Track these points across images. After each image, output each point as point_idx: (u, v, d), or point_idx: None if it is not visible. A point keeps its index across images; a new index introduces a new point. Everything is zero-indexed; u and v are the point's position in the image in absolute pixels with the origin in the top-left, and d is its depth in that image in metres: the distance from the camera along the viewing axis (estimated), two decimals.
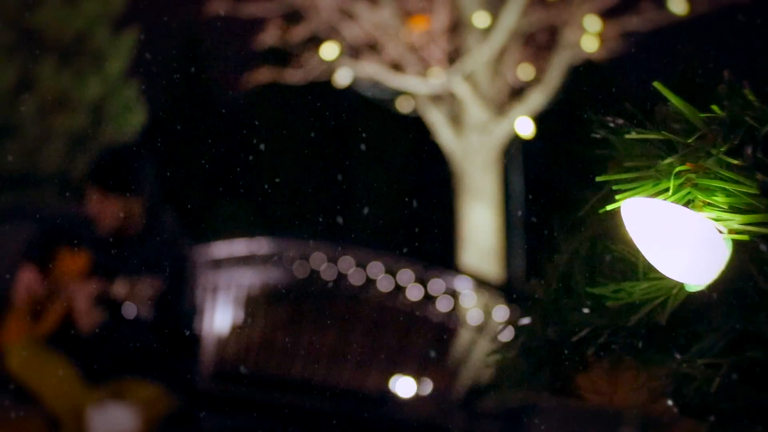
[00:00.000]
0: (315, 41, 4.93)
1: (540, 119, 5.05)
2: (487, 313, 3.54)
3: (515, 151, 5.03)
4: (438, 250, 4.46)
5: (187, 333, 3.64)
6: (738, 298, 0.63)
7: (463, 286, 3.62)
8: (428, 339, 3.80)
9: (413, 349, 3.72)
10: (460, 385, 3.58)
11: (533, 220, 5.06)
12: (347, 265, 3.92)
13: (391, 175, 12.81)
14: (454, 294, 3.60)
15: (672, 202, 0.61)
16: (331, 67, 4.91)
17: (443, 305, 3.67)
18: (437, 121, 5.11)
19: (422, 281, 3.69)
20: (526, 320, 0.87)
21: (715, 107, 0.60)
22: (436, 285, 3.70)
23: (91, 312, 3.28)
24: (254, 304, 4.10)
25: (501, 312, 3.54)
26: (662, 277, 0.65)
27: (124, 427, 3.28)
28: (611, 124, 0.67)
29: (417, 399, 3.66)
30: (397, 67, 4.86)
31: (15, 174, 6.22)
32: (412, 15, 4.79)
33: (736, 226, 0.59)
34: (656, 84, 0.62)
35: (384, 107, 5.20)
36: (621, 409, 4.70)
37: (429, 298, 3.70)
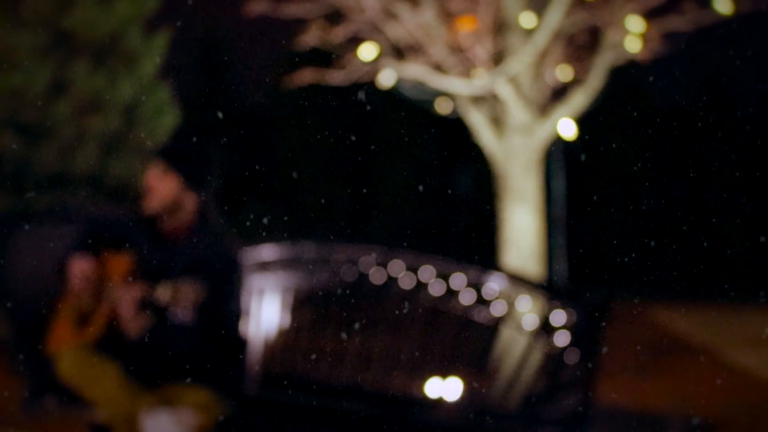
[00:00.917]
0: (357, 42, 4.88)
1: (582, 120, 5.00)
2: (543, 318, 3.49)
3: (557, 152, 4.95)
4: (480, 253, 4.39)
5: (235, 337, 3.61)
6: None
7: (516, 289, 3.55)
8: (481, 343, 3.74)
9: (465, 353, 3.66)
10: (515, 390, 3.52)
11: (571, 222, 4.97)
12: (397, 268, 3.86)
13: (432, 177, 12.70)
14: (509, 298, 3.55)
15: None
16: (373, 67, 4.86)
17: (497, 309, 3.61)
18: (478, 123, 5.06)
19: (475, 285, 3.63)
20: None
21: None
22: (489, 289, 3.64)
23: (138, 316, 3.25)
24: (301, 308, 4.05)
25: (557, 316, 3.48)
26: None
27: None
28: None
29: (468, 404, 3.61)
30: (439, 67, 4.81)
31: (49, 176, 6.20)
32: (454, 15, 4.74)
33: None
34: None
35: (425, 108, 5.12)
36: (666, 414, 4.64)
37: (482, 302, 3.64)
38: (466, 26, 4.40)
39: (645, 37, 4.86)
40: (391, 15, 4.71)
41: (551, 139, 5.06)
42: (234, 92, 13.27)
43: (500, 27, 4.78)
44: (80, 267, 3.68)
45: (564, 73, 5.11)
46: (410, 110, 11.02)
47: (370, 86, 4.95)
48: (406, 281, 3.84)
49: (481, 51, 4.55)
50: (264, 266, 4.17)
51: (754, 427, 4.59)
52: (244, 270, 3.57)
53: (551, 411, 3.25)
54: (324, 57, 5.02)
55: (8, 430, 4.43)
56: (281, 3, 4.95)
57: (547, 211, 5.04)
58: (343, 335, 3.93)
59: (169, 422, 3.33)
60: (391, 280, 3.86)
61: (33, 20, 6.11)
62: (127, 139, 6.46)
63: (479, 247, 10.81)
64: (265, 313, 4.19)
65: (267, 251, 4.30)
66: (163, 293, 3.09)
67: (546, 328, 3.50)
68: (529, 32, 4.80)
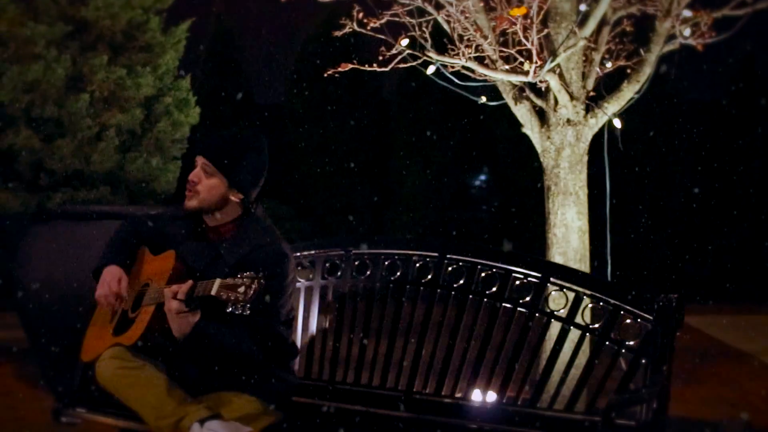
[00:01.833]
0: (401, 29, 4.66)
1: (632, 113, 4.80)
2: (611, 321, 3.27)
3: (605, 147, 4.74)
4: (526, 250, 4.18)
5: (284, 340, 3.39)
6: None
7: (582, 290, 3.34)
8: (539, 346, 3.52)
9: (521, 356, 3.45)
10: (577, 397, 3.30)
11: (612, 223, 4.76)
12: (449, 267, 3.64)
13: (450, 175, 12.44)
14: (573, 299, 3.33)
15: None
16: (417, 56, 4.64)
17: (559, 311, 3.40)
18: (524, 115, 4.86)
19: (539, 285, 3.42)
20: None
21: None
22: (550, 289, 3.43)
23: (185, 317, 3.03)
24: (344, 310, 3.83)
25: (627, 319, 3.26)
26: None
27: None
28: None
29: (523, 412, 3.38)
30: (485, 57, 4.59)
31: (66, 172, 5.98)
32: (501, 2, 4.52)
33: None
34: None
35: (471, 100, 4.93)
36: (724, 423, 4.41)
37: (541, 302, 3.43)
38: (516, 14, 4.18)
39: (698, 25, 4.64)
40: (436, 1, 4.49)
41: (600, 133, 4.85)
42: (253, 86, 13.02)
43: (549, 15, 4.55)
44: (117, 268, 3.46)
45: (613, 64, 4.90)
46: (431, 104, 10.74)
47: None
48: (458, 279, 3.63)
49: (530, 40, 4.33)
50: (303, 266, 3.97)
51: None
52: (294, 269, 3.36)
53: (620, 421, 3.01)
54: (367, 45, 4.78)
55: None
56: None
57: (599, 207, 4.81)
58: (391, 338, 3.71)
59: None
60: (443, 279, 3.64)
61: (51, 11, 5.89)
62: (147, 134, 6.24)
63: (529, 245, 10.64)
64: (306, 315, 3.98)
65: (308, 250, 4.08)
66: (216, 291, 2.86)
67: (615, 332, 3.29)
68: (580, 21, 4.59)
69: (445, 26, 4.50)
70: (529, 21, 4.39)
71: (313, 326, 3.91)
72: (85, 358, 3.52)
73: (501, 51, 4.42)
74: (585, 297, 3.32)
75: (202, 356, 3.11)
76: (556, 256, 4.73)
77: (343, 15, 4.78)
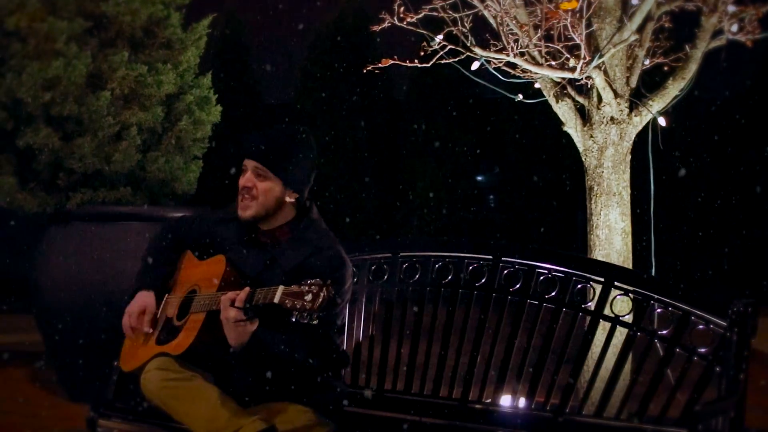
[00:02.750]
0: (437, 25, 4.51)
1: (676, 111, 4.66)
2: (682, 326, 3.13)
3: (649, 145, 4.60)
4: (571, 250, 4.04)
5: (338, 348, 3.25)
6: None
7: (650, 295, 3.19)
8: (604, 353, 3.37)
9: (585, 362, 3.30)
10: (646, 406, 3.16)
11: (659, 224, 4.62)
12: (504, 270, 3.50)
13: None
14: (644, 305, 3.18)
15: None
16: (459, 53, 4.49)
17: (625, 316, 3.26)
18: (566, 113, 4.71)
19: (603, 290, 3.27)
20: None
21: None
22: (615, 294, 3.28)
23: (243, 326, 2.88)
24: (394, 316, 3.68)
25: (699, 324, 3.12)
26: None
27: None
28: None
29: (602, 421, 3.23)
30: (528, 53, 4.44)
31: (87, 171, 5.81)
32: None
33: None
34: None
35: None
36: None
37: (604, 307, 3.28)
38: (567, 8, 4.03)
39: (744, 20, 4.50)
40: None
41: (644, 131, 4.70)
42: (263, 84, 12.82)
43: (595, 11, 4.40)
44: (146, 297, 3.33)
45: (659, 60, 4.75)
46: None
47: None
48: (514, 283, 3.49)
49: (579, 35, 4.18)
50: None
51: None
52: (352, 274, 3.21)
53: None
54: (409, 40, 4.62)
55: None
56: None
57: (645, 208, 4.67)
58: (443, 344, 3.57)
59: None
60: (498, 282, 3.50)
61: (70, 5, 5.72)
62: (167, 133, 6.07)
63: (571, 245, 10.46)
64: (352, 321, 3.83)
65: (349, 254, 3.90)
66: (280, 299, 2.71)
67: (686, 338, 3.14)
68: (625, 17, 4.44)
69: (492, 21, 4.34)
70: (576, 16, 4.24)
71: (360, 332, 3.76)
72: (126, 367, 3.37)
73: (548, 47, 4.27)
74: (651, 303, 3.17)
75: (258, 366, 2.96)
76: (599, 258, 4.58)
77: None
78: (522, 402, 3.40)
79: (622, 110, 4.62)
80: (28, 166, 5.79)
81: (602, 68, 4.49)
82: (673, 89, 4.62)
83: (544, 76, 4.52)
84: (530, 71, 4.42)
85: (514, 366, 3.39)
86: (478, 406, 3.42)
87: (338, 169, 12.30)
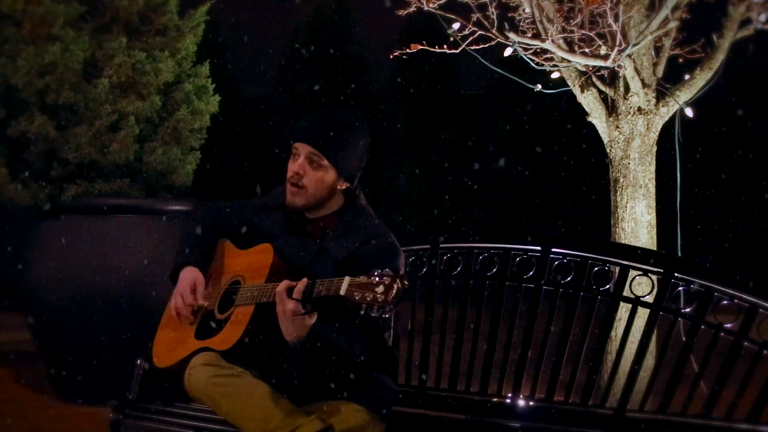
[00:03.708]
0: (461, 10, 4.36)
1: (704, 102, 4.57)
2: (750, 318, 3.01)
3: (675, 137, 4.50)
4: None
5: (388, 344, 3.08)
6: None
7: (712, 289, 3.07)
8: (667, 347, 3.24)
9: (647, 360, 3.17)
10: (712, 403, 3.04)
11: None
12: (554, 262, 3.36)
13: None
14: (708, 297, 3.06)
15: None
16: (488, 39, 4.35)
17: (686, 311, 3.13)
18: (591, 104, 4.59)
19: (663, 281, 3.15)
20: None
21: None
22: (676, 289, 3.16)
23: (301, 319, 2.70)
24: (435, 310, 3.53)
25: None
26: None
27: None
28: None
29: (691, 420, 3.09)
30: (558, 41, 4.31)
31: (83, 162, 5.57)
32: None
33: None
34: None
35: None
36: None
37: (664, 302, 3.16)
38: None
39: None
40: None
41: (670, 122, 4.61)
42: (240, 78, 12.57)
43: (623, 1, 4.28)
44: (193, 271, 3.13)
45: (686, 50, 4.66)
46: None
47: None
48: (565, 276, 3.36)
49: (618, 22, 4.06)
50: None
51: None
52: (404, 264, 3.05)
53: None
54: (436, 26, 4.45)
55: None
56: None
57: (669, 200, 4.57)
58: (486, 341, 3.41)
59: None
60: (548, 275, 3.36)
61: None
62: (163, 123, 5.85)
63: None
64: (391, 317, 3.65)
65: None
66: (346, 291, 2.53)
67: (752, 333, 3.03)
68: (654, 6, 4.33)
69: (527, 7, 4.20)
70: (608, 4, 4.12)
71: (399, 328, 3.59)
72: (161, 363, 3.16)
73: (583, 34, 4.14)
74: (714, 297, 3.05)
75: (313, 362, 2.78)
76: None
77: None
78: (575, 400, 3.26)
79: (649, 100, 4.51)
80: (19, 156, 5.54)
81: (632, 57, 4.38)
82: (701, 80, 4.53)
83: (575, 64, 4.40)
84: (564, 58, 4.29)
85: (568, 362, 3.25)
86: (529, 403, 3.27)
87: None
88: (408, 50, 4.41)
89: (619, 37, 4.07)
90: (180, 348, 3.06)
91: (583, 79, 4.55)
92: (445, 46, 4.39)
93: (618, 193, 4.59)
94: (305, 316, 2.66)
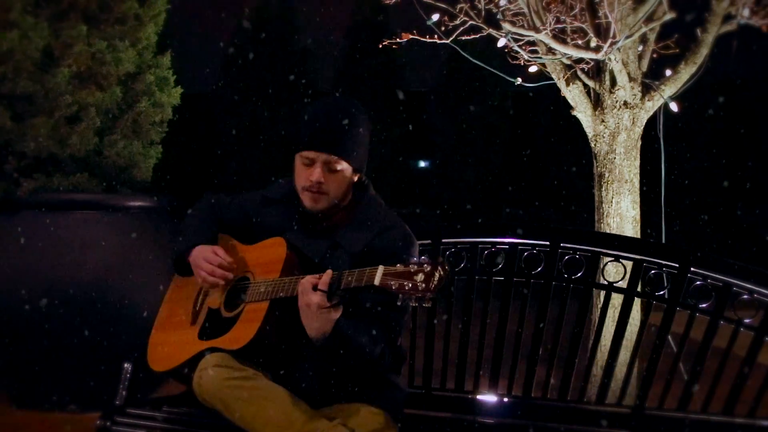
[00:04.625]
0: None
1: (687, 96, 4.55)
2: None
3: (659, 131, 4.47)
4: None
5: (399, 343, 2.96)
6: None
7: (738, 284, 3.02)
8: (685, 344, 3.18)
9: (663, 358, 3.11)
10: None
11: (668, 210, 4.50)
12: (564, 257, 3.27)
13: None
14: (726, 291, 3.01)
15: None
16: (479, 29, 4.25)
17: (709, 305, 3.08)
18: (576, 97, 4.53)
19: (679, 276, 3.08)
20: None
21: None
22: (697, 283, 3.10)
23: (326, 313, 2.56)
24: (437, 307, 3.41)
25: None
26: None
27: None
28: None
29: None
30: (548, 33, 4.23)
31: (41, 155, 5.30)
32: None
33: None
34: None
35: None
36: None
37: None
38: None
39: (760, 4, 4.41)
40: None
41: (654, 117, 4.58)
42: (183, 73, 12.23)
43: None
44: (205, 246, 2.96)
45: (670, 44, 4.63)
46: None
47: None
48: (575, 271, 3.27)
49: (613, 15, 4.00)
50: None
51: None
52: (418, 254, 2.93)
53: None
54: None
55: None
56: None
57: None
58: (493, 338, 3.31)
59: None
60: (558, 270, 3.27)
61: None
62: (123, 115, 5.61)
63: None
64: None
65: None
66: (380, 280, 2.40)
67: None
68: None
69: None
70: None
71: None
72: (159, 367, 2.98)
73: (574, 25, 4.07)
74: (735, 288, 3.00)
75: (334, 361, 2.64)
76: None
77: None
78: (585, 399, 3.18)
79: (635, 94, 4.48)
80: None
81: (620, 50, 4.33)
82: (685, 74, 4.51)
83: (560, 57, 4.33)
84: (554, 50, 4.22)
85: (581, 359, 3.16)
86: (540, 402, 3.18)
87: (259, 161, 11.88)
88: (398, 39, 4.28)
89: (613, 27, 4.00)
90: (182, 350, 2.88)
91: (569, 73, 4.48)
92: (435, 36, 4.27)
93: (603, 188, 4.54)
94: (331, 309, 2.52)
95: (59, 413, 5.17)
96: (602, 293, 3.26)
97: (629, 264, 3.15)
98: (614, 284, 3.18)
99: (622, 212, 4.49)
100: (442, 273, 2.32)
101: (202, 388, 2.65)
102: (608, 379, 3.11)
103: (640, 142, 4.56)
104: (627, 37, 4.14)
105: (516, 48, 4.23)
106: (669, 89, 4.49)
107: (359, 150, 2.83)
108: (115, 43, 5.46)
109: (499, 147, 11.87)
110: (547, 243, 3.25)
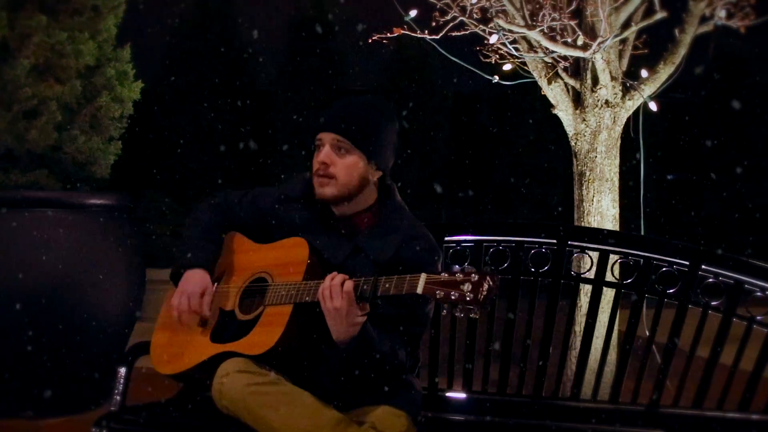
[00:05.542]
0: None
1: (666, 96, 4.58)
2: None
3: (639, 130, 4.50)
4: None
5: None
6: None
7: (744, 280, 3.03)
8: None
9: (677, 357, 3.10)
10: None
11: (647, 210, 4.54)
12: (572, 255, 3.24)
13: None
14: (738, 289, 3.02)
15: None
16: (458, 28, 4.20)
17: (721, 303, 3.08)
18: (557, 96, 4.52)
19: (689, 273, 3.08)
20: None
21: None
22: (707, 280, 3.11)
23: (353, 317, 2.48)
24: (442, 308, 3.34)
25: None
26: None
27: None
28: None
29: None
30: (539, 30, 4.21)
31: None
32: None
33: None
34: None
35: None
36: None
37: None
38: None
39: (738, 6, 4.47)
40: None
41: (634, 116, 4.60)
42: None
43: None
44: (202, 274, 2.85)
45: (649, 44, 4.66)
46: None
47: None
48: (584, 269, 3.26)
49: (605, 13, 4.00)
50: None
51: None
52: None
53: None
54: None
55: None
56: None
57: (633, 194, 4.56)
58: (501, 339, 3.27)
59: None
60: (566, 268, 3.24)
61: None
62: (82, 110, 5.41)
63: None
64: None
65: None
66: (423, 289, 2.33)
67: None
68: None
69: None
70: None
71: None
72: (166, 370, 2.84)
73: (569, 25, 4.06)
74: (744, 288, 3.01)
75: (360, 363, 2.55)
76: None
77: None
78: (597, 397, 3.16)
79: (616, 93, 4.49)
80: None
81: (605, 49, 4.34)
82: (664, 73, 4.54)
83: (549, 54, 4.31)
84: (546, 48, 4.19)
85: (593, 356, 3.14)
86: (560, 402, 3.15)
87: (201, 161, 11.66)
88: (389, 35, 4.20)
89: (604, 25, 4.00)
90: (192, 353, 2.75)
91: (552, 72, 4.47)
92: (426, 32, 4.21)
93: (584, 187, 4.54)
94: (358, 315, 2.44)
95: (11, 420, 4.94)
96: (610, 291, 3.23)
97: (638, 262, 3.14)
98: (624, 283, 3.16)
99: (602, 211, 4.50)
100: (491, 283, 2.25)
101: (224, 394, 2.53)
102: (620, 378, 3.09)
103: (620, 141, 4.58)
104: (615, 36, 4.14)
105: (507, 45, 4.19)
106: (648, 89, 4.51)
107: (375, 141, 2.73)
108: (74, 35, 5.25)
109: (440, 146, 11.87)
110: (554, 241, 3.22)
